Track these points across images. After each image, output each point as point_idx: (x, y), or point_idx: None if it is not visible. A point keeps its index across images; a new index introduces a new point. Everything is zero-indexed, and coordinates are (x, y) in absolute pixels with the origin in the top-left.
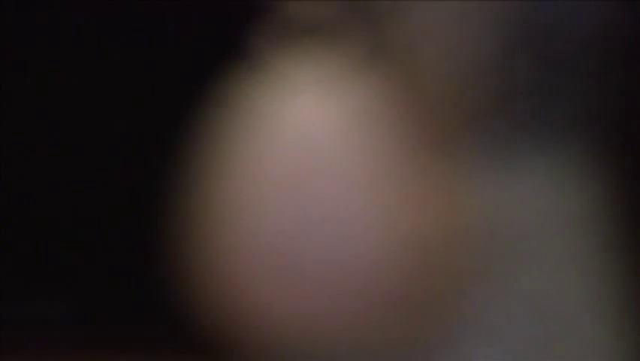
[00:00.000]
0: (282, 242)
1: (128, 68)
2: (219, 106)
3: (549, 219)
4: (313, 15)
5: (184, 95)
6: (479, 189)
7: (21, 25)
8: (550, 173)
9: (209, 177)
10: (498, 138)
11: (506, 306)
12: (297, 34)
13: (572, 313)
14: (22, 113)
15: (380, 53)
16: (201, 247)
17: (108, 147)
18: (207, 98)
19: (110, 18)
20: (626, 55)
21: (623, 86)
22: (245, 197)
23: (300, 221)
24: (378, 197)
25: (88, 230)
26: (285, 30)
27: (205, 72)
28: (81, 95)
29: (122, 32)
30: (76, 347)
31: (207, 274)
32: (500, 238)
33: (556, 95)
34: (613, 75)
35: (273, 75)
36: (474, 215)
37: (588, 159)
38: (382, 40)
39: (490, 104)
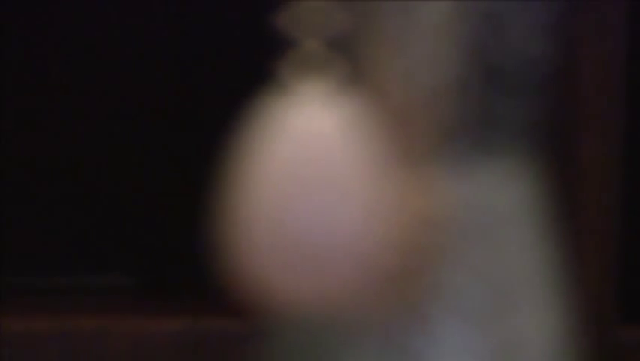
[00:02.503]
0: (294, 227)
1: (178, 91)
2: (249, 120)
3: (496, 213)
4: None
5: (224, 111)
6: (443, 189)
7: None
8: (497, 174)
9: (239, 177)
10: (456, 146)
11: (463, 282)
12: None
13: (516, 289)
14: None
15: (357, 75)
16: (233, 232)
17: (166, 149)
18: (241, 114)
19: (152, 42)
20: (561, 72)
21: (559, 100)
22: (264, 193)
23: (306, 211)
24: (370, 194)
25: (149, 216)
26: (302, 60)
27: (240, 93)
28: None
29: (169, 57)
30: (138, 311)
31: (236, 254)
32: (458, 228)
33: (503, 109)
34: (550, 90)
35: (292, 95)
36: (439, 210)
37: (528, 163)
38: (357, 64)
39: (451, 119)
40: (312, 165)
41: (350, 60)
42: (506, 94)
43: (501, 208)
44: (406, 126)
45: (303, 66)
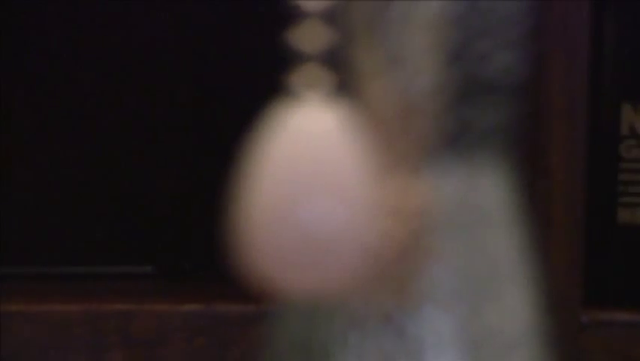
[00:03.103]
0: (299, 221)
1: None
2: (260, 121)
3: (474, 210)
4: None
5: (239, 117)
6: (427, 188)
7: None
8: (474, 176)
9: (249, 174)
10: (438, 151)
11: (444, 272)
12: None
13: (494, 278)
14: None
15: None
16: (243, 225)
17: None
18: (255, 120)
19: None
20: (531, 79)
21: (525, 105)
22: (272, 189)
23: (309, 207)
24: (365, 192)
25: (168, 210)
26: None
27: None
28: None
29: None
30: (158, 295)
31: (246, 245)
32: (439, 223)
33: (481, 116)
34: (522, 96)
35: (297, 102)
36: (423, 207)
37: (503, 165)
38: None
39: (433, 126)
40: (315, 166)
41: (343, 73)
42: (484, 101)
43: (478, 206)
44: (392, 133)
45: (306, 77)
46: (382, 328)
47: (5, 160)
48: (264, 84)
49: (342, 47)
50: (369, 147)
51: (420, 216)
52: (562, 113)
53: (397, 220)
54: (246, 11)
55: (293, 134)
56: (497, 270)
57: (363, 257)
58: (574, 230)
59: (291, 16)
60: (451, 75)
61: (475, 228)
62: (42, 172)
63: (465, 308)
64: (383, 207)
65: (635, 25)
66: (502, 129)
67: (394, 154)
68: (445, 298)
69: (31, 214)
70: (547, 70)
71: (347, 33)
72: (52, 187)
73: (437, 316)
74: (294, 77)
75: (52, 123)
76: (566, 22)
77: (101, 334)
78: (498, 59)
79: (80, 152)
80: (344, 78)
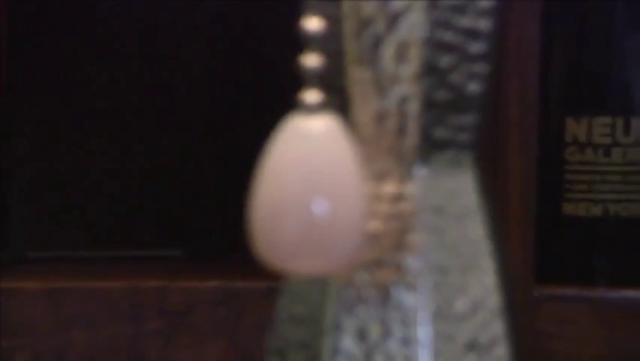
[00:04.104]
0: (303, 214)
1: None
2: (274, 130)
3: (447, 207)
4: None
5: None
6: (405, 189)
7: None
8: (447, 178)
9: (263, 172)
10: (416, 157)
11: (426, 258)
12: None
13: (466, 262)
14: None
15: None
16: (257, 216)
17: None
18: (271, 125)
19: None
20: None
21: (485, 116)
22: (280, 186)
23: (312, 201)
24: (359, 191)
25: (194, 198)
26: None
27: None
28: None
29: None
30: (185, 274)
31: (261, 232)
32: (418, 219)
33: (452, 123)
34: (486, 103)
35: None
36: (405, 201)
37: (472, 167)
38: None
39: (411, 135)
40: (316, 167)
41: (337, 92)
42: (448, 113)
43: (452, 204)
44: (377, 141)
45: (310, 94)
46: (382, 301)
47: (50, 153)
48: (278, 99)
49: (335, 71)
50: (357, 153)
51: (398, 212)
52: (517, 124)
53: (380, 216)
54: (261, 32)
55: (299, 140)
56: (470, 255)
57: (358, 243)
58: (527, 221)
59: (300, 40)
60: (421, 88)
61: (451, 222)
62: (91, 166)
63: (451, 286)
64: (371, 205)
65: (578, 51)
66: (475, 137)
67: (374, 160)
68: (433, 277)
69: (80, 206)
70: (504, 88)
71: (339, 58)
72: (100, 183)
73: (428, 291)
74: (301, 93)
75: (88, 116)
76: (520, 48)
77: (140, 306)
78: (461, 75)
79: (119, 150)
80: (338, 97)
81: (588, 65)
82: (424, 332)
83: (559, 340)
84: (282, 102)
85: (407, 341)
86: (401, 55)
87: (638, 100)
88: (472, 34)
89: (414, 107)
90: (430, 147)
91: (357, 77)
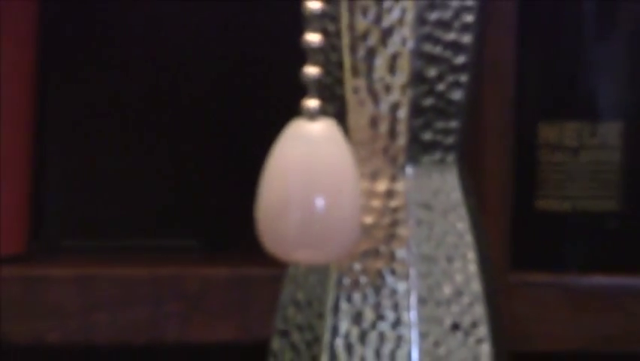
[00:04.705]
0: (306, 208)
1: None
2: (281, 132)
3: (432, 204)
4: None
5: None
6: (396, 187)
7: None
8: (434, 172)
9: (269, 171)
10: (405, 158)
11: (414, 248)
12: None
13: (452, 251)
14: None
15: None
16: (265, 209)
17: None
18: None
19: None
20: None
21: (466, 122)
22: (287, 185)
23: (315, 198)
24: (355, 189)
25: (209, 191)
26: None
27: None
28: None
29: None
30: (202, 262)
31: (267, 225)
32: (410, 210)
33: (439, 121)
34: (461, 115)
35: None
36: (396, 197)
37: (457, 167)
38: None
39: (401, 137)
40: (317, 167)
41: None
42: (433, 118)
43: (438, 200)
44: (371, 143)
45: (311, 102)
46: (375, 288)
47: (82, 153)
48: (283, 105)
49: (333, 80)
50: (353, 154)
51: (389, 207)
52: (494, 128)
53: (373, 211)
54: (270, 48)
55: (301, 142)
56: (456, 245)
57: (354, 236)
58: (504, 215)
59: (303, 52)
60: (410, 96)
61: (439, 216)
62: (119, 165)
63: (438, 274)
64: (365, 201)
65: (549, 63)
66: (451, 141)
67: (368, 160)
68: (421, 265)
69: (107, 200)
70: (483, 96)
71: (337, 69)
72: (125, 180)
73: (417, 278)
74: (303, 101)
75: (99, 106)
76: (496, 60)
77: (159, 291)
78: (446, 85)
79: (145, 150)
80: (336, 103)
81: (559, 75)
82: (413, 315)
83: (532, 321)
84: (286, 108)
85: (398, 324)
86: (392, 66)
87: (603, 107)
88: (456, 47)
89: (404, 113)
90: (419, 149)
91: (353, 85)
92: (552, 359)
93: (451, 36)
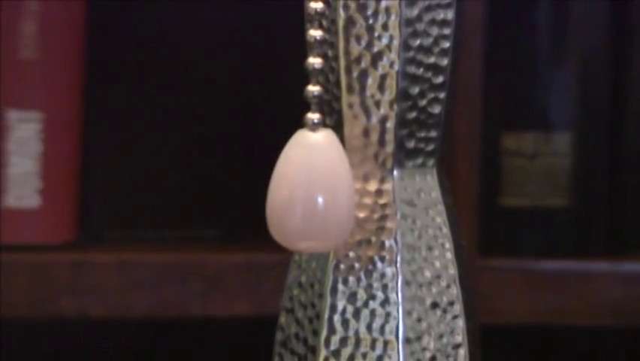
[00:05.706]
0: (308, 205)
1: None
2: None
3: (418, 198)
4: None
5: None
6: (384, 186)
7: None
8: (417, 174)
9: (277, 171)
10: (392, 160)
11: (401, 240)
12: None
13: (432, 242)
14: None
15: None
16: (273, 204)
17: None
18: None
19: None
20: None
21: (441, 130)
22: (290, 185)
23: (316, 196)
24: (350, 187)
25: (227, 183)
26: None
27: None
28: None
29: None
30: (218, 250)
31: (276, 217)
32: (396, 206)
33: (421, 131)
34: (437, 125)
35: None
36: (385, 196)
37: (438, 167)
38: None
39: (389, 142)
40: (318, 169)
41: (332, 112)
42: (423, 126)
43: (420, 198)
44: (364, 150)
45: (312, 113)
46: (367, 272)
47: (122, 154)
48: (290, 118)
49: (332, 97)
50: (348, 160)
51: (379, 204)
52: (464, 137)
53: (365, 207)
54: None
55: (304, 149)
56: (436, 236)
57: (349, 228)
58: (473, 210)
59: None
60: (397, 111)
61: (422, 212)
62: (152, 165)
63: (419, 260)
64: (357, 198)
65: (510, 82)
66: (431, 148)
67: (361, 164)
68: (406, 253)
69: (142, 196)
70: (455, 110)
71: (335, 88)
72: (157, 178)
73: (402, 264)
74: (306, 114)
75: (124, 102)
76: (467, 79)
77: (185, 273)
78: (427, 101)
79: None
80: (334, 117)
81: (518, 93)
82: (399, 295)
83: (496, 299)
84: (293, 120)
85: (386, 302)
86: (382, 85)
87: (555, 119)
88: (436, 69)
89: (391, 125)
90: (404, 155)
91: (349, 102)
92: (513, 331)
93: (431, 60)
